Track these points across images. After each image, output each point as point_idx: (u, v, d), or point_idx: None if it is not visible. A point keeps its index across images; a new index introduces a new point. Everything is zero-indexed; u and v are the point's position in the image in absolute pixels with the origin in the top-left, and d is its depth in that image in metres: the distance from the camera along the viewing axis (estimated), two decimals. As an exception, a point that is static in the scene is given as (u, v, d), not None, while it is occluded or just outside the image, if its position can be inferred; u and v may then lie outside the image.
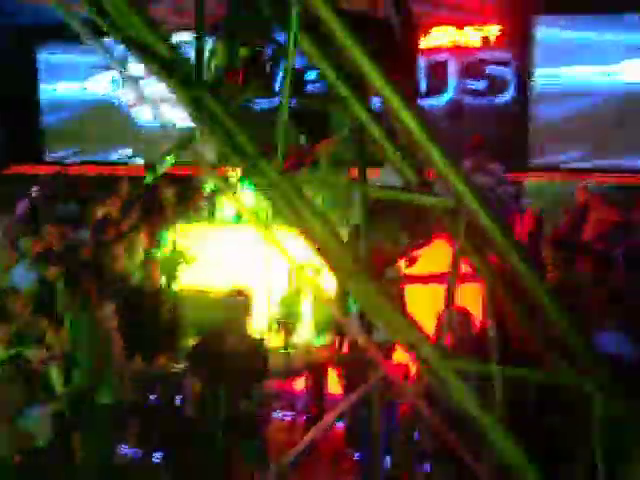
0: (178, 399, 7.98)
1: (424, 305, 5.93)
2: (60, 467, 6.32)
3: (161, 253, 9.63)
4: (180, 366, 8.02)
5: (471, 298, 6.77)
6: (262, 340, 7.50)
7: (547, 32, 11.39)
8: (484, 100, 11.79)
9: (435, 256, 4.15)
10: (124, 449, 7.64)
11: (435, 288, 4.14)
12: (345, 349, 8.15)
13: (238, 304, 7.08)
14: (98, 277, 8.74)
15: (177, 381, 7.99)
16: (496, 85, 11.73)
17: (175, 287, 9.25)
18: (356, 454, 7.80)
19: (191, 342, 7.95)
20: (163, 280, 9.09)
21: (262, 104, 4.37)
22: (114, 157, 15.60)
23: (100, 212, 10.81)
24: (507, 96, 11.70)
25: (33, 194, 12.84)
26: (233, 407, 6.59)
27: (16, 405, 5.81)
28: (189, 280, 9.63)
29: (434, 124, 3.86)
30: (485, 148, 9.02)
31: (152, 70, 3.72)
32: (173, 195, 11.43)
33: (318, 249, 3.52)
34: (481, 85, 11.80)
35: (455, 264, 3.69)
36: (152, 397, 8.06)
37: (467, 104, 11.79)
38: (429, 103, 11.61)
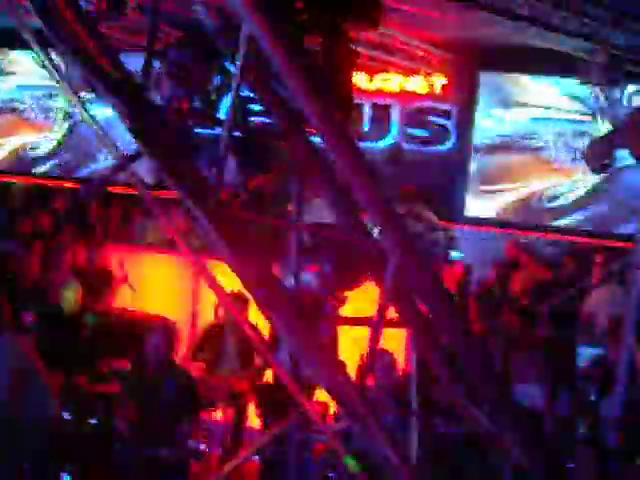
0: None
1: (348, 347, 5.95)
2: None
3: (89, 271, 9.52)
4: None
5: (396, 342, 6.84)
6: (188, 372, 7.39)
7: (489, 86, 11.60)
8: (424, 148, 11.91)
9: (362, 299, 4.16)
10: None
11: (360, 330, 4.16)
12: (266, 381, 8.11)
13: (162, 333, 7.00)
14: (17, 290, 8.61)
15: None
16: (437, 134, 11.87)
17: (100, 306, 9.10)
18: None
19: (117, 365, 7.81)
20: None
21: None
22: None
23: (30, 225, 10.64)
24: (448, 145, 11.85)
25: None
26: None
27: None
28: (116, 301, 9.54)
29: (372, 167, 3.89)
30: (418, 197, 9.09)
31: (97, 88, 3.68)
32: (114, 214, 11.31)
33: (245, 283, 3.51)
34: (423, 133, 11.93)
35: (381, 308, 3.71)
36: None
37: (407, 150, 11.90)
38: (370, 146, 11.69)
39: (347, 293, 4.00)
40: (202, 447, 8.30)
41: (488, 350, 4.31)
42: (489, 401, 3.93)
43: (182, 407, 6.64)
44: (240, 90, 3.68)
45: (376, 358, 5.77)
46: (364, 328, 3.93)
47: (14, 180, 13.37)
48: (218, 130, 3.78)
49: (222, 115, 3.91)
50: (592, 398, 7.42)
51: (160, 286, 9.91)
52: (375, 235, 3.75)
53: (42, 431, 6.74)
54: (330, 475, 6.49)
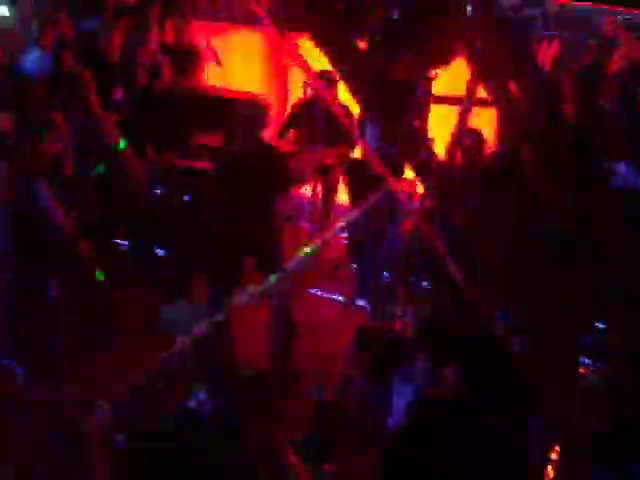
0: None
1: (439, 125, 5.85)
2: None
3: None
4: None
5: (485, 123, 6.71)
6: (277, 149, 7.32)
7: None
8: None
9: (453, 77, 4.03)
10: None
11: (451, 109, 4.07)
12: (355, 157, 8.07)
13: (256, 110, 6.89)
14: (104, 67, 8.61)
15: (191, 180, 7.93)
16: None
17: (188, 83, 9.07)
18: (355, 266, 7.94)
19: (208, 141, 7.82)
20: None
21: None
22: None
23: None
24: None
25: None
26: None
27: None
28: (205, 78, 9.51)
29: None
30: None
31: None
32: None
33: (334, 60, 3.42)
34: None
35: (470, 86, 3.60)
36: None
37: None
38: None
39: (437, 70, 3.87)
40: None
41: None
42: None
43: (272, 183, 6.50)
44: None
45: (465, 136, 5.71)
46: (454, 107, 3.85)
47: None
48: None
49: None
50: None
51: (248, 63, 9.83)
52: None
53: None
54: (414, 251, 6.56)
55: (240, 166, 6.45)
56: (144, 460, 4.65)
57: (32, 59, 8.78)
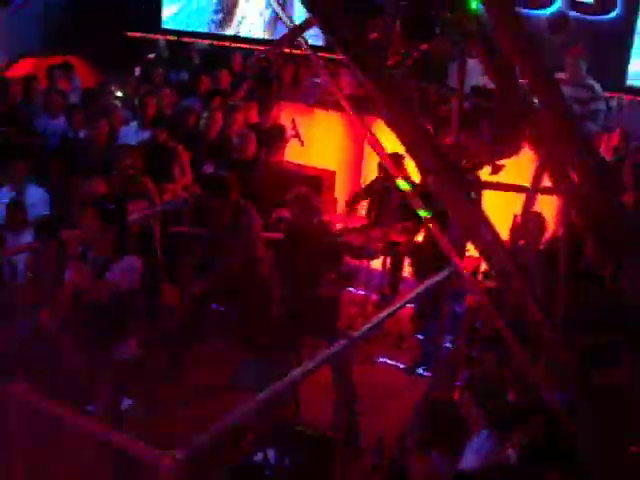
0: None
1: (501, 208, 5.85)
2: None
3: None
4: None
5: (547, 208, 6.71)
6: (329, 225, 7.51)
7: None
8: (589, 16, 11.18)
9: (518, 166, 4.05)
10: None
11: (513, 195, 4.07)
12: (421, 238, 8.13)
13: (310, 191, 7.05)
14: (197, 142, 8.85)
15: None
16: (603, 2, 11.10)
17: (272, 158, 9.25)
18: (420, 335, 7.93)
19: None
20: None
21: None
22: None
23: (209, 82, 10.81)
24: (613, 14, 11.10)
25: (149, 59, 12.90)
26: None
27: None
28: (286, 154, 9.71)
29: (535, 34, 3.70)
30: (585, 60, 8.56)
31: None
32: (287, 74, 11.29)
33: (405, 144, 3.47)
34: (589, 0, 11.19)
35: (537, 175, 3.62)
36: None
37: (572, 18, 11.21)
38: (535, 13, 11.10)
39: (503, 161, 3.90)
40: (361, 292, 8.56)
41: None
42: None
43: (322, 255, 6.70)
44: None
45: (529, 220, 5.71)
46: (517, 195, 3.86)
47: (196, 40, 13.53)
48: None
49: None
50: None
51: (327, 141, 10.02)
52: (534, 103, 3.60)
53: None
54: (478, 326, 6.53)
55: (297, 238, 6.75)
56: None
57: (131, 131, 9.12)
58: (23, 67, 11.66)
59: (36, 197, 7.65)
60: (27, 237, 7.02)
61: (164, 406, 6.51)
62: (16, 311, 6.38)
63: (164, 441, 3.83)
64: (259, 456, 5.58)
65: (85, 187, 7.10)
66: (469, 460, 4.25)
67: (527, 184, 3.75)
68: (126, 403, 5.97)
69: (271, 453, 5.58)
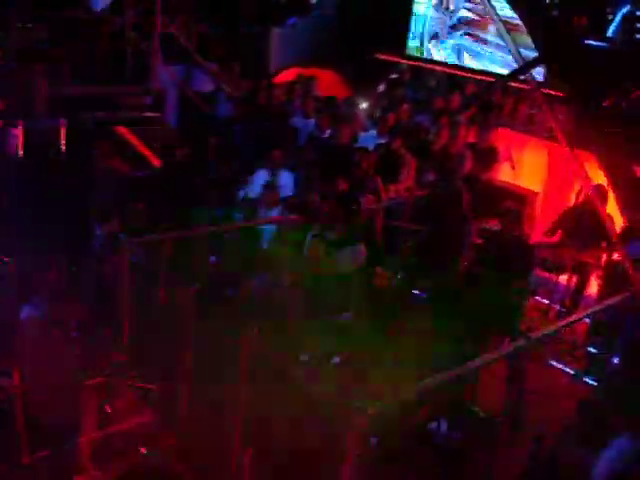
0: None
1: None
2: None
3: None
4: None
5: None
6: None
7: None
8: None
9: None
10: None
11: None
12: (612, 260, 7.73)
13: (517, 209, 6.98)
14: (424, 153, 8.89)
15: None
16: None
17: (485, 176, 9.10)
18: (592, 349, 7.55)
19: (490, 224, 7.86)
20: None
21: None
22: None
23: (442, 102, 10.76)
24: None
25: (392, 78, 13.02)
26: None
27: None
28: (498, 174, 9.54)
29: None
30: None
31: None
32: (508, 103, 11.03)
33: (612, 181, 3.31)
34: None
35: None
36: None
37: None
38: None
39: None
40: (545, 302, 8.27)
41: None
42: None
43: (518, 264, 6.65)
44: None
45: None
46: None
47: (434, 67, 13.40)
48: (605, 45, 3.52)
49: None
50: None
51: (534, 166, 9.73)
52: None
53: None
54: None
55: (501, 246, 6.75)
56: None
57: (369, 137, 9.31)
58: (288, 74, 12.13)
59: (287, 181, 7.98)
60: (274, 212, 7.35)
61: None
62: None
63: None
64: (433, 425, 5.56)
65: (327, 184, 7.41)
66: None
67: None
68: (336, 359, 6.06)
69: (444, 425, 5.55)
